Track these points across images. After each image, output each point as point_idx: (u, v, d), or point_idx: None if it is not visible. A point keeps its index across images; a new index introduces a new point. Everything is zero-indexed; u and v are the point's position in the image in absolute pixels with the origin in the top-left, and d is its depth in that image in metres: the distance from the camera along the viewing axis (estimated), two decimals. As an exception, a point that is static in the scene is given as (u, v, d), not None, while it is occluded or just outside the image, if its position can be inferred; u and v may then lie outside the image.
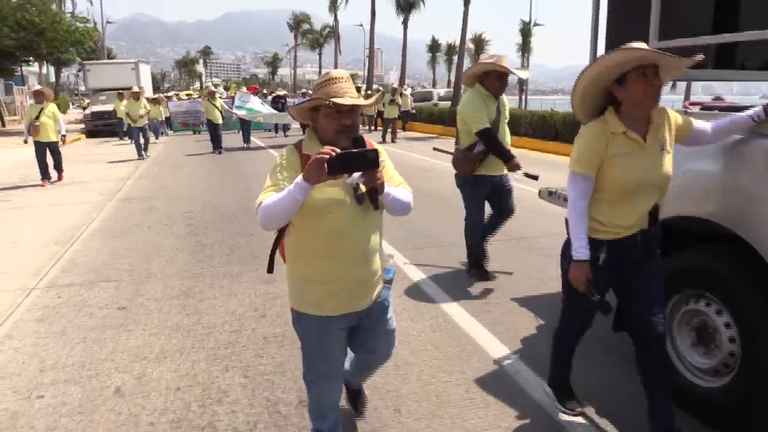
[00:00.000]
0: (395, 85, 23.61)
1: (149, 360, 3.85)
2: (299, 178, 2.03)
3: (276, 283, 5.15)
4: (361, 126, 27.61)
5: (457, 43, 33.56)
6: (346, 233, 2.23)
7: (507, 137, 5.03)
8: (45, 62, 36.80)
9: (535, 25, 52.08)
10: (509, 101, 5.35)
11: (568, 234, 2.68)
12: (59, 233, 7.45)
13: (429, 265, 5.78)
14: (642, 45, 2.42)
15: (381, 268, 2.42)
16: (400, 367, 3.66)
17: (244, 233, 7.18)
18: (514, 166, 4.80)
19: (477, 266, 5.34)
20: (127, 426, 3.09)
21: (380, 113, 22.43)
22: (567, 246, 2.71)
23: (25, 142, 11.77)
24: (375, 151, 2.01)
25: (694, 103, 6.68)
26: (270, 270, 2.41)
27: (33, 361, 3.87)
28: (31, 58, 31.16)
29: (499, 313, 4.56)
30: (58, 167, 12.06)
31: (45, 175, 11.71)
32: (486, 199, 5.16)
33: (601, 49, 3.94)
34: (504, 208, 5.22)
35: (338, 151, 1.96)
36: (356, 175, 2.07)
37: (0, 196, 10.22)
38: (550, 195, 4.80)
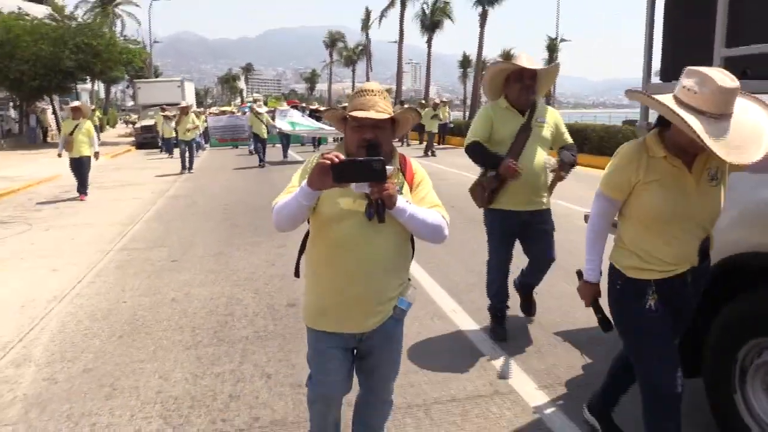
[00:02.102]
0: (437, 100, 23.68)
1: (192, 286, 5.77)
2: (304, 182, 2.02)
3: (286, 248, 7.01)
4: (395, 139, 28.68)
5: (488, 58, 35.31)
6: (350, 246, 2.14)
7: (540, 164, 3.89)
8: (96, 80, 39.95)
9: (562, 40, 53.69)
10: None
11: (609, 276, 2.47)
12: (123, 218, 9.53)
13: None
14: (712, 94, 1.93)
15: (392, 292, 2.24)
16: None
17: (267, 218, 9.10)
18: (506, 170, 3.76)
19: (495, 319, 4.35)
20: (179, 317, 4.97)
21: (421, 127, 22.12)
22: (612, 290, 2.46)
23: (59, 155, 11.75)
24: (381, 161, 1.91)
25: None
26: (297, 274, 2.39)
27: (116, 287, 5.82)
28: (87, 77, 34.07)
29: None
30: (83, 186, 11.80)
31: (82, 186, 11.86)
32: (513, 239, 4.18)
33: (656, 59, 3.63)
34: (536, 254, 4.19)
35: (342, 157, 1.92)
36: (363, 183, 1.99)
37: (70, 194, 12.33)
38: None
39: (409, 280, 2.36)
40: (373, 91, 2.12)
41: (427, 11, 44.74)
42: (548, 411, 3.31)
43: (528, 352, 4.09)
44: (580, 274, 2.56)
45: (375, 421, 2.55)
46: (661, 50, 3.74)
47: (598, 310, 2.54)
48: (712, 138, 1.91)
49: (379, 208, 2.03)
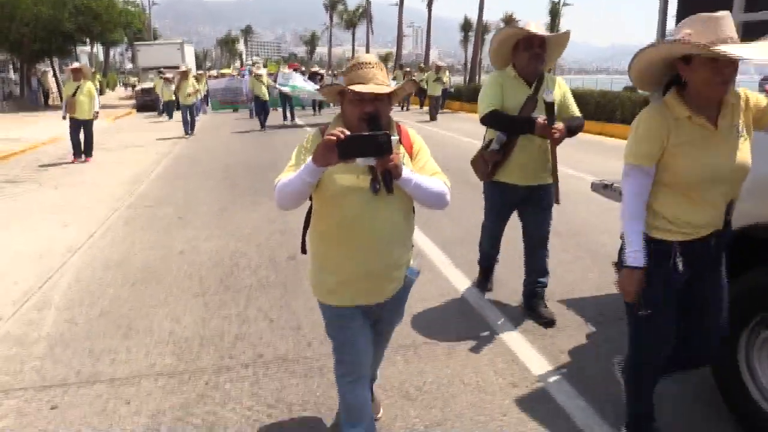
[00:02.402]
0: (439, 64, 23.10)
1: (198, 240, 6.09)
2: (309, 159, 2.01)
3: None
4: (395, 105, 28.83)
5: (491, 22, 35.06)
6: (359, 222, 2.15)
7: (545, 138, 3.69)
8: (95, 42, 39.79)
9: (564, 4, 53.20)
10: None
11: (621, 237, 2.38)
12: (130, 178, 9.82)
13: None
14: (725, 21, 2.02)
15: (402, 262, 2.31)
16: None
17: (268, 180, 9.38)
18: (543, 130, 3.54)
19: (481, 273, 4.58)
20: (188, 268, 5.29)
21: (423, 91, 21.93)
22: (622, 252, 2.39)
23: (64, 118, 11.80)
24: (386, 135, 1.92)
25: None
26: (304, 250, 2.43)
27: (126, 241, 6.14)
28: (86, 40, 33.96)
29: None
30: (88, 148, 11.98)
31: (77, 151, 11.83)
32: (510, 211, 4.13)
33: (671, 22, 3.53)
34: (531, 229, 4.08)
35: (347, 133, 1.92)
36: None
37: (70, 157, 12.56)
38: (606, 188, 4.09)
39: (413, 246, 2.42)
40: (370, 63, 2.13)
41: (428, -27, 44.38)
42: (528, 353, 3.63)
43: (513, 300, 4.41)
44: (618, 264, 2.37)
45: (376, 357, 2.72)
46: (676, 14, 3.64)
47: (643, 306, 2.31)
48: (746, 48, 1.96)
49: (386, 179, 2.05)
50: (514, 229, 4.23)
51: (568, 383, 3.25)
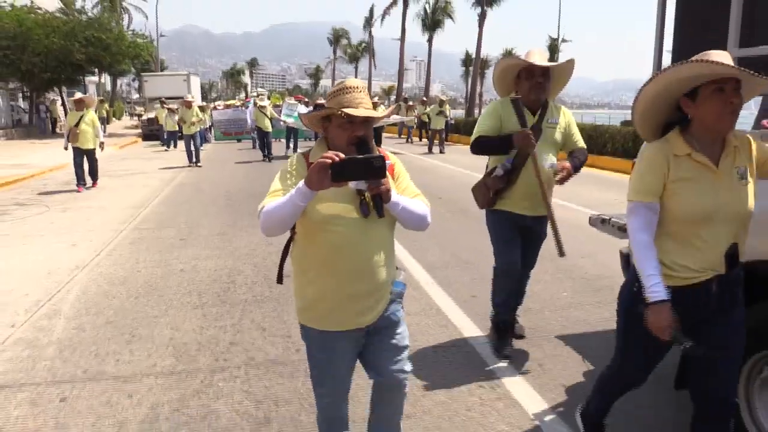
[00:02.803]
0: (442, 97, 23.66)
1: (198, 259, 6.46)
2: (301, 183, 1.98)
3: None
4: (398, 136, 29.62)
5: (490, 57, 35.95)
6: (348, 247, 2.15)
7: (548, 165, 3.60)
8: (104, 72, 40.78)
9: (563, 41, 54.34)
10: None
11: (629, 274, 2.35)
12: (135, 202, 10.25)
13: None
14: (722, 57, 2.04)
15: (389, 281, 2.30)
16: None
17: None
18: (521, 140, 3.48)
19: (498, 333, 4.07)
20: (188, 284, 5.66)
21: (424, 124, 22.30)
22: (626, 289, 2.39)
23: (65, 148, 11.93)
24: (381, 158, 1.92)
25: None
26: (279, 280, 2.42)
27: (131, 260, 6.52)
28: (95, 70, 34.83)
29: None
30: (93, 174, 12.23)
31: (80, 180, 11.90)
32: (519, 239, 3.86)
33: (666, 59, 3.57)
34: (525, 261, 3.94)
35: (342, 156, 1.89)
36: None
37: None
38: (603, 223, 3.90)
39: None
40: (357, 87, 2.14)
41: (429, 10, 45.62)
42: (503, 368, 3.93)
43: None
44: (643, 305, 2.20)
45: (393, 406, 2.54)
46: (672, 51, 3.68)
47: (681, 339, 2.16)
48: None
49: (377, 203, 2.07)
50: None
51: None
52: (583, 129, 16.86)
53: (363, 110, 2.08)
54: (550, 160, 3.63)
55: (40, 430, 3.15)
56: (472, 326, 4.51)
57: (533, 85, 3.59)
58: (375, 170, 1.93)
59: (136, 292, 5.40)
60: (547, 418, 3.24)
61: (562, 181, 3.52)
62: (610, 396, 2.70)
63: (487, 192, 3.75)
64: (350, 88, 2.14)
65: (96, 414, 3.29)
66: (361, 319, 2.27)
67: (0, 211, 9.61)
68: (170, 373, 3.77)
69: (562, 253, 3.64)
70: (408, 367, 2.42)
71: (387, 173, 2.05)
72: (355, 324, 2.27)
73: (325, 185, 1.93)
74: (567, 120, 3.80)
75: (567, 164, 3.52)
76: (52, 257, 6.60)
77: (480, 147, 3.73)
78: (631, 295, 2.31)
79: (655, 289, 2.14)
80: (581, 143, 3.86)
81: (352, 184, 2.04)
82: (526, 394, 3.50)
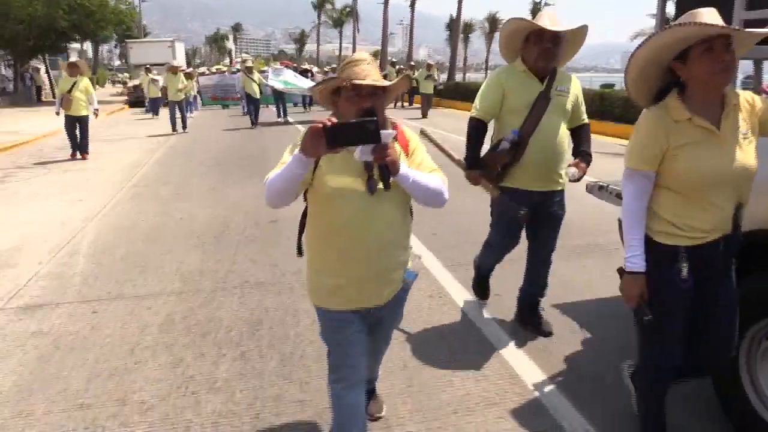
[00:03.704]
0: (429, 62, 23.62)
1: (195, 210, 7.27)
2: (296, 150, 1.96)
3: (269, 185, 8.50)
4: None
5: (475, 20, 35.98)
6: (356, 223, 2.12)
7: (560, 137, 3.45)
8: (86, 39, 40.69)
9: (546, 4, 54.51)
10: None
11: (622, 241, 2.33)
12: (130, 164, 10.99)
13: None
14: (708, 15, 2.01)
15: (402, 264, 2.28)
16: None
17: (255, 165, 10.57)
18: (471, 179, 3.58)
19: (479, 284, 4.20)
20: (187, 229, 6.47)
21: (414, 89, 21.98)
22: None
23: (57, 114, 11.86)
24: (374, 121, 1.85)
25: None
26: (300, 252, 2.36)
27: (134, 211, 7.32)
28: (78, 37, 34.85)
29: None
30: (84, 145, 11.90)
31: (75, 147, 11.83)
32: (522, 224, 3.64)
33: (671, 17, 3.45)
34: (540, 241, 3.73)
35: (334, 120, 1.86)
36: (365, 150, 1.94)
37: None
38: (600, 190, 3.87)
39: (411, 247, 2.38)
40: (366, 60, 2.13)
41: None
42: (512, 350, 3.64)
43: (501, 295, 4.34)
44: (621, 270, 2.31)
45: (377, 358, 2.79)
46: (675, 11, 3.55)
47: (645, 312, 2.25)
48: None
49: (384, 175, 2.02)
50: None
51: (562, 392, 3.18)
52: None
53: (370, 81, 2.07)
54: (570, 173, 3.41)
55: (80, 331, 3.99)
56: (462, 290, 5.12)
57: (542, 50, 3.29)
58: (369, 133, 1.86)
59: (143, 236, 6.21)
60: (546, 389, 3.20)
61: (578, 180, 3.43)
62: (660, 391, 2.57)
63: (494, 167, 3.52)
64: (358, 60, 2.13)
65: (122, 320, 4.13)
66: (372, 299, 2.27)
67: (4, 173, 10.30)
68: (180, 293, 4.62)
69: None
70: (377, 374, 2.91)
71: (394, 145, 2.05)
72: (366, 303, 2.27)
73: (321, 151, 1.90)
74: (576, 91, 3.53)
75: (582, 164, 3.43)
76: (62, 211, 7.36)
77: (468, 134, 3.59)
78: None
79: (635, 261, 2.23)
80: (584, 117, 3.64)
81: (357, 155, 1.98)
82: (522, 363, 3.49)
